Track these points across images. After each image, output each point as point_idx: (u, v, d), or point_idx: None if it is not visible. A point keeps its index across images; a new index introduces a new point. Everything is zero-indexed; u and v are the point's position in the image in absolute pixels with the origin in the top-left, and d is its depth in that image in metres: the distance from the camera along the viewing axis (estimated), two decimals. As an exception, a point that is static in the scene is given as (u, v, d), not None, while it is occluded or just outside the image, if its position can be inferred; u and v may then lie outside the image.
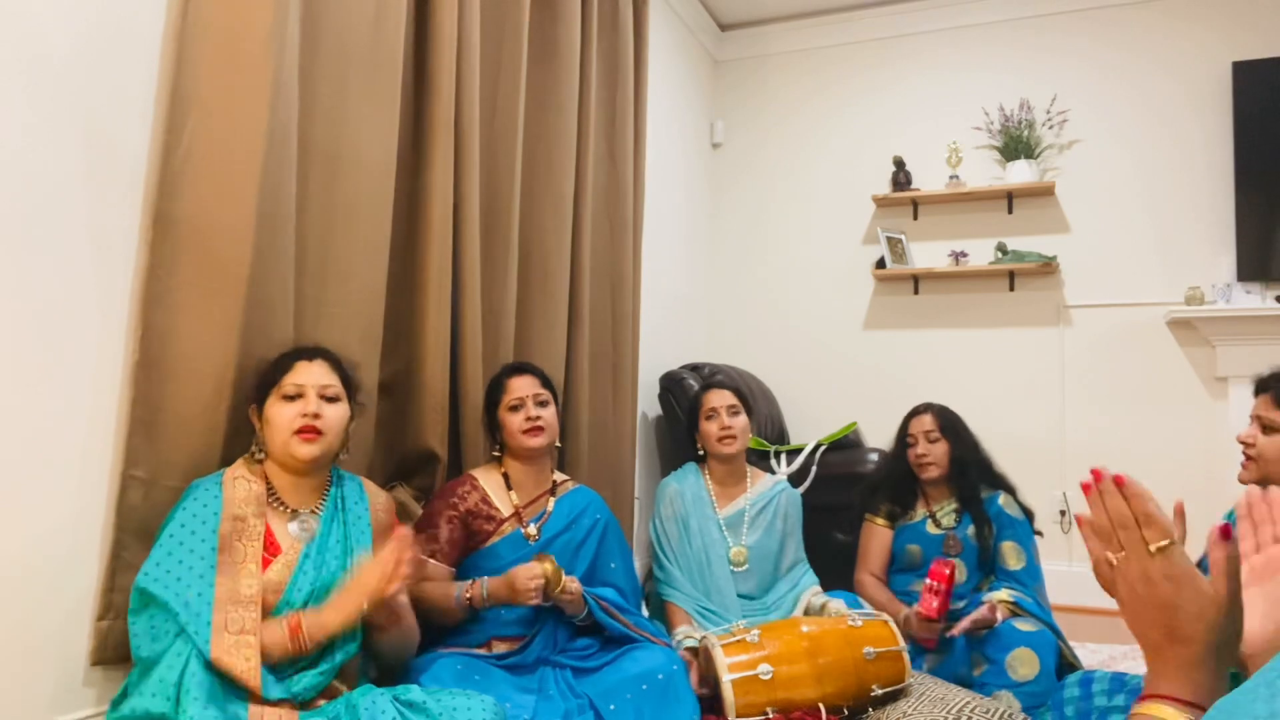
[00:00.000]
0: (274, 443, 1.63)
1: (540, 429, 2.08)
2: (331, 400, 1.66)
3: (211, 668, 1.36)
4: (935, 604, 2.20)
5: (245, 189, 1.72)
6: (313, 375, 1.65)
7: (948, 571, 2.21)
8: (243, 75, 1.73)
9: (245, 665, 1.38)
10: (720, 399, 2.51)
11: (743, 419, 2.51)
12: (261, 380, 1.67)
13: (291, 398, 1.63)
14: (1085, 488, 0.79)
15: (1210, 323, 3.66)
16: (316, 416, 1.61)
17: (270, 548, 1.59)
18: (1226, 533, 0.75)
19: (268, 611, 1.51)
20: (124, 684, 1.44)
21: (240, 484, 1.60)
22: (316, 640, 1.50)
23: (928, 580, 2.23)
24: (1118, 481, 0.77)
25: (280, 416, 1.61)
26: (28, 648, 1.48)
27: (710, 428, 2.50)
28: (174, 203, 1.66)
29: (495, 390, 2.15)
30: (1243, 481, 1.76)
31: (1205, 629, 0.72)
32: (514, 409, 2.09)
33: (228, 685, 1.37)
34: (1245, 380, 1.80)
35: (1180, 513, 1.70)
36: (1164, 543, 0.74)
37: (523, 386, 2.11)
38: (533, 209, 2.78)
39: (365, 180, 2.08)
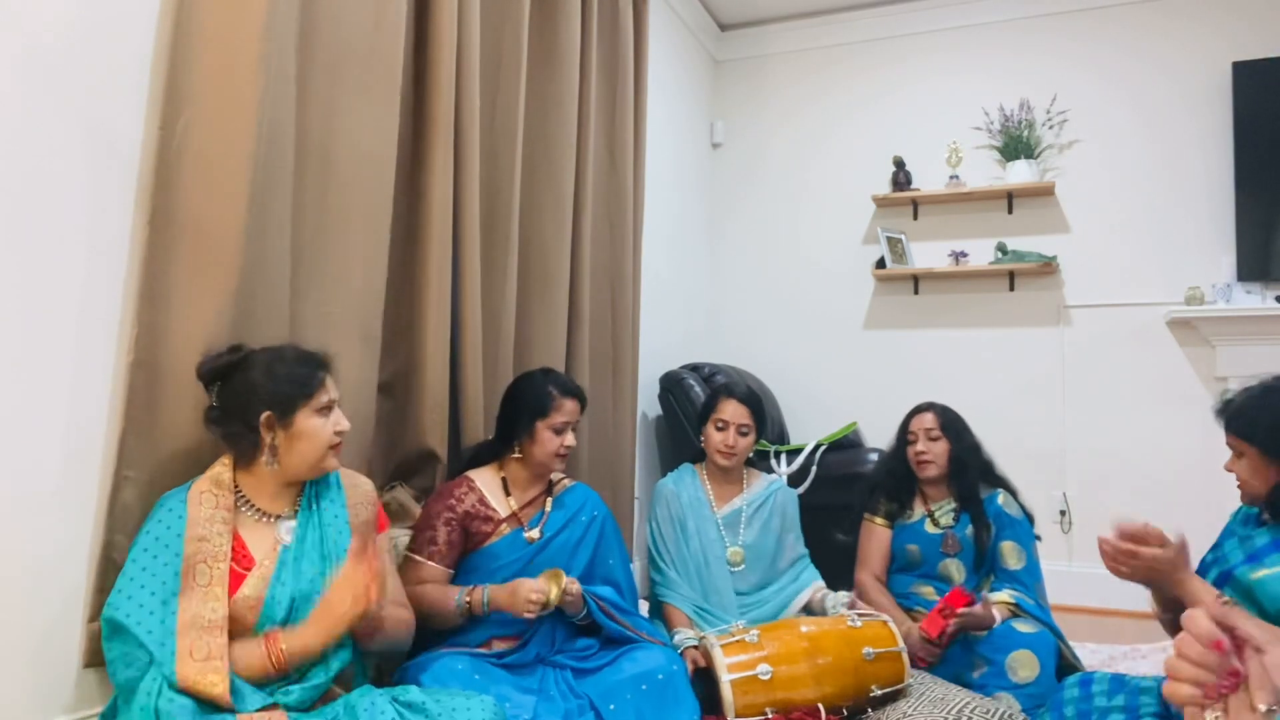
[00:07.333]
0: (304, 456, 1.57)
1: (568, 455, 2.13)
2: None
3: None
4: (939, 626, 2.19)
5: (237, 186, 1.72)
6: (335, 390, 1.65)
7: (964, 601, 2.21)
8: (236, 72, 1.72)
9: (216, 692, 1.34)
10: (736, 414, 2.47)
11: (749, 440, 2.49)
12: (298, 391, 1.58)
13: (325, 410, 1.60)
14: (1218, 646, 0.72)
15: (1210, 323, 3.66)
16: (343, 432, 1.63)
17: (244, 560, 1.53)
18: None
19: (249, 628, 1.47)
20: (112, 699, 1.41)
21: (206, 499, 1.52)
22: (297, 661, 1.47)
23: (943, 602, 2.22)
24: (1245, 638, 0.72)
25: (320, 432, 1.59)
26: (18, 649, 1.47)
27: (716, 437, 2.49)
28: (169, 200, 1.65)
29: (543, 400, 2.09)
30: (1245, 504, 1.78)
31: None
32: (558, 431, 2.09)
33: (208, 704, 1.34)
34: (1246, 381, 1.79)
35: (1184, 546, 1.64)
36: (1272, 707, 0.69)
37: (573, 411, 2.13)
38: (533, 209, 2.78)
39: (364, 180, 2.08)
